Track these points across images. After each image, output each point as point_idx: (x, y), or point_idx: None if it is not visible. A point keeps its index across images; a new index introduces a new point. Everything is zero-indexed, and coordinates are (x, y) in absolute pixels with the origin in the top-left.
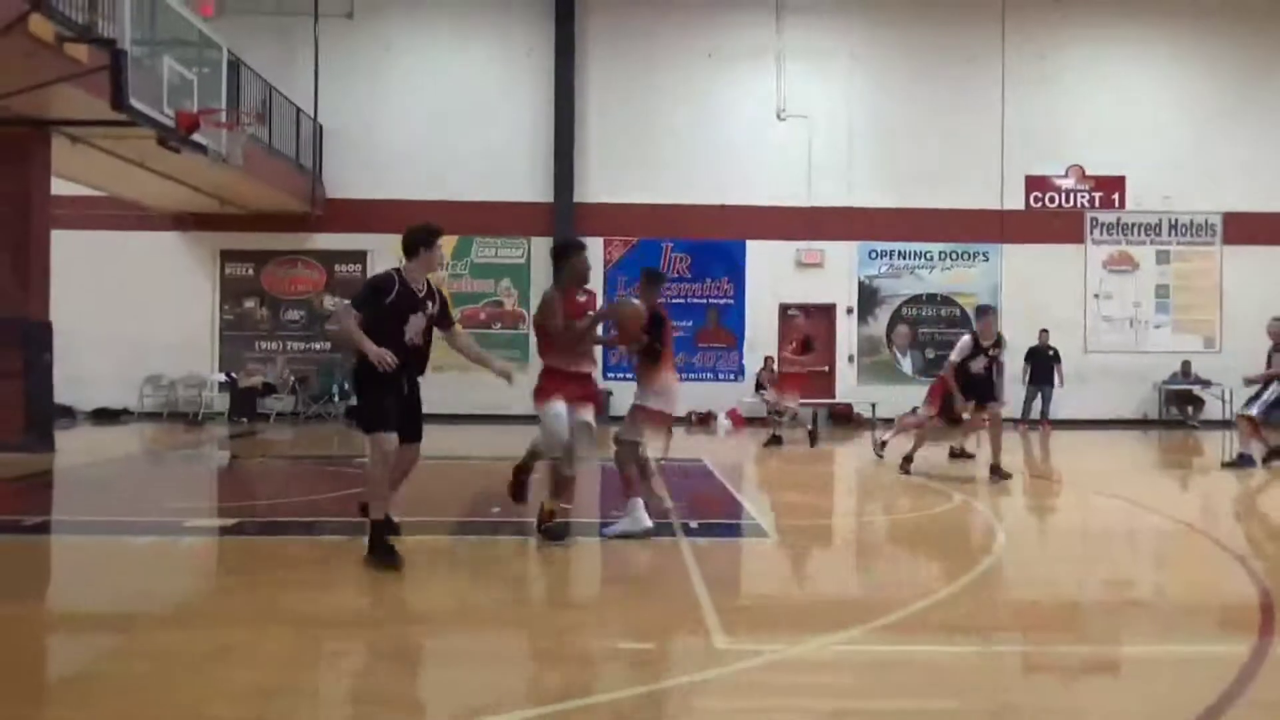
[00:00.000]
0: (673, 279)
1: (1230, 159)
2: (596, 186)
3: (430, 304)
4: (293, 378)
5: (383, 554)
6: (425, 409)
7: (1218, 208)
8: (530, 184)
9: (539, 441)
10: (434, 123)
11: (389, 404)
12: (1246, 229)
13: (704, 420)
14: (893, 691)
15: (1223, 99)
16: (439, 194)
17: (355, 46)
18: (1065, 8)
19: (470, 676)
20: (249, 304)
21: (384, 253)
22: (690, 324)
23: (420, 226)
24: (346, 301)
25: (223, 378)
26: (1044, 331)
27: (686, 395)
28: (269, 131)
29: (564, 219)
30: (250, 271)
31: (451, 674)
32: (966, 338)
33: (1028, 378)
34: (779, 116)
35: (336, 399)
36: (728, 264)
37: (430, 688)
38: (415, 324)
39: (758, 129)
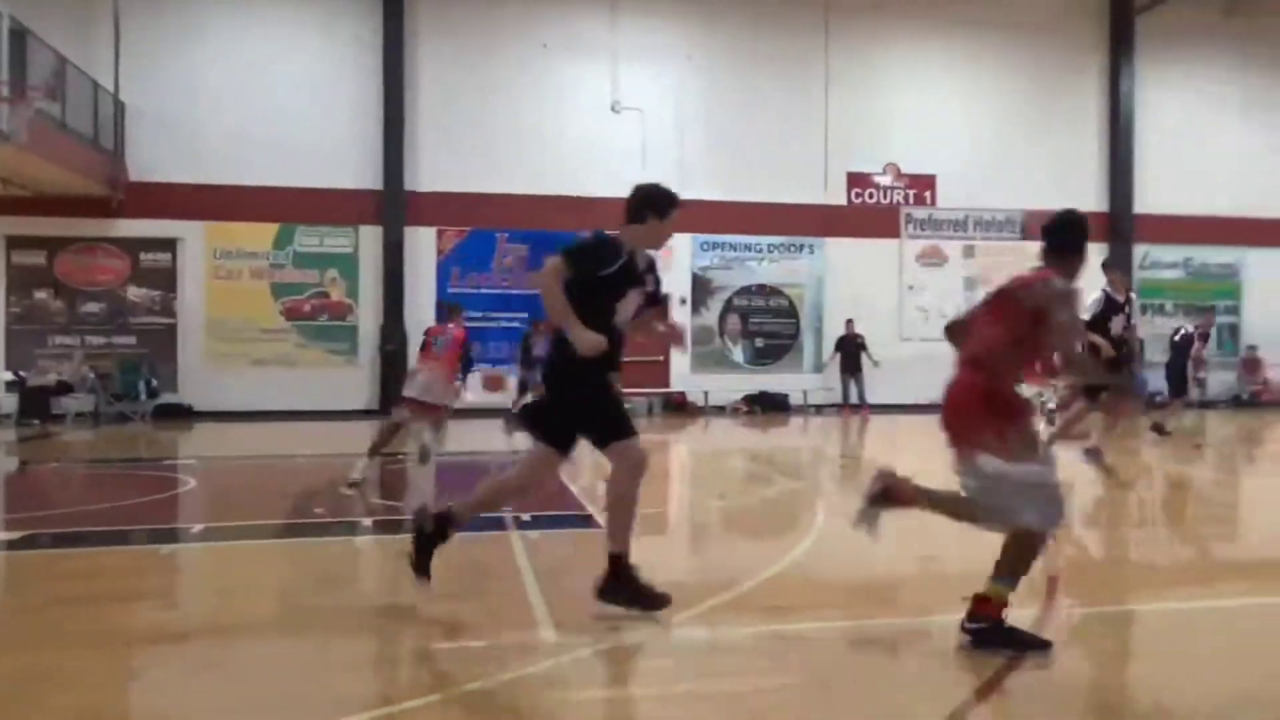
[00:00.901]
0: (507, 270)
1: (1029, 159)
2: (429, 174)
3: (649, 280)
4: (92, 375)
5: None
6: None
7: (1019, 205)
8: (358, 171)
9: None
10: (252, 104)
11: (612, 400)
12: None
13: None
14: (719, 673)
15: (1021, 103)
16: (258, 179)
17: (163, 19)
18: (882, 14)
19: (294, 685)
20: (40, 295)
21: (196, 241)
22: (525, 316)
23: (656, 187)
24: (556, 257)
25: (10, 376)
26: (849, 321)
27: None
28: (62, 107)
29: (394, 207)
30: (42, 260)
31: (273, 684)
32: (1098, 292)
33: (839, 367)
34: (614, 109)
35: (143, 397)
36: None
37: (250, 699)
38: (628, 305)
39: (593, 121)
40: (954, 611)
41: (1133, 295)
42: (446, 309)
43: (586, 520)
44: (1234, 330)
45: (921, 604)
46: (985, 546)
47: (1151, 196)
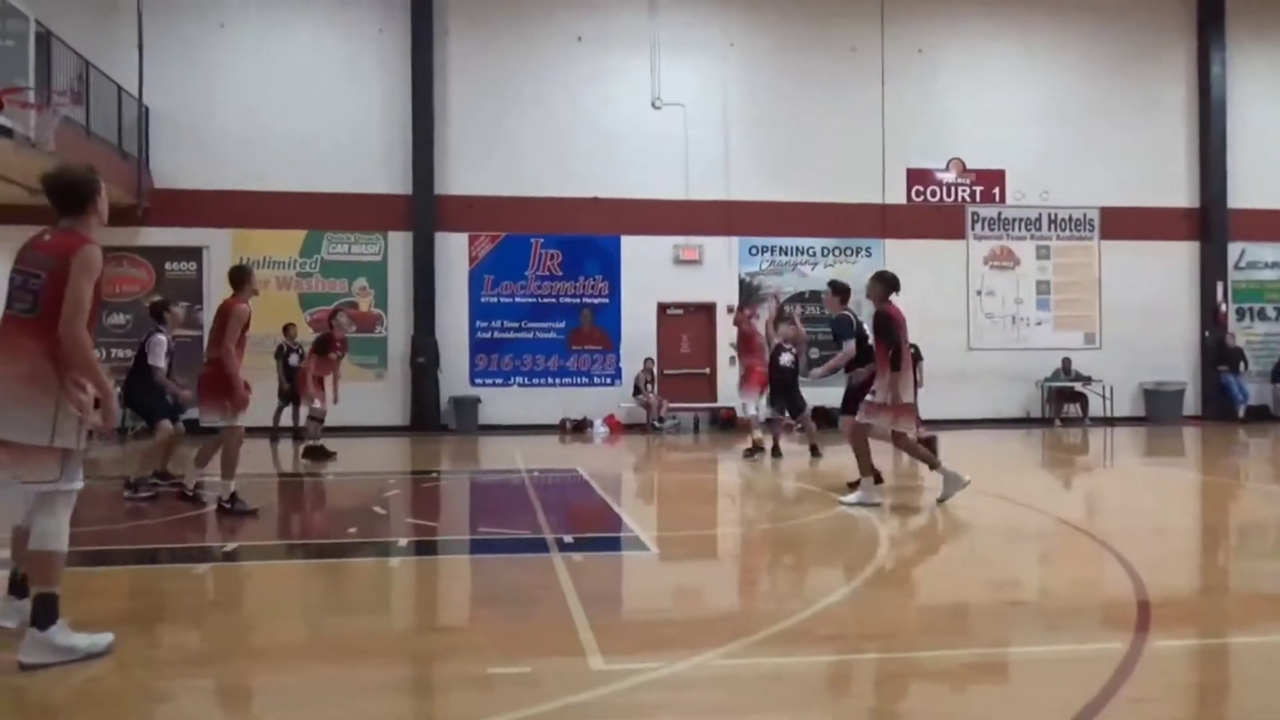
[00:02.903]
0: (542, 277)
1: (1106, 154)
2: (459, 177)
3: None
4: (117, 389)
5: None
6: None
7: (1095, 202)
8: (386, 175)
9: None
10: (276, 107)
11: None
12: (1122, 223)
13: (579, 427)
14: (774, 705)
15: (1098, 94)
16: (284, 185)
17: (185, 20)
18: (943, 1)
19: (330, 710)
20: None
21: (222, 249)
22: (563, 325)
23: None
24: None
25: None
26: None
27: (560, 400)
28: (86, 113)
29: (424, 212)
30: None
31: (308, 710)
32: None
33: None
34: (654, 105)
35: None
36: (601, 261)
37: None
38: None
39: (632, 118)
40: (1031, 643)
41: None
42: None
43: (633, 542)
44: None
45: (993, 635)
46: (1061, 571)
47: (1247, 189)
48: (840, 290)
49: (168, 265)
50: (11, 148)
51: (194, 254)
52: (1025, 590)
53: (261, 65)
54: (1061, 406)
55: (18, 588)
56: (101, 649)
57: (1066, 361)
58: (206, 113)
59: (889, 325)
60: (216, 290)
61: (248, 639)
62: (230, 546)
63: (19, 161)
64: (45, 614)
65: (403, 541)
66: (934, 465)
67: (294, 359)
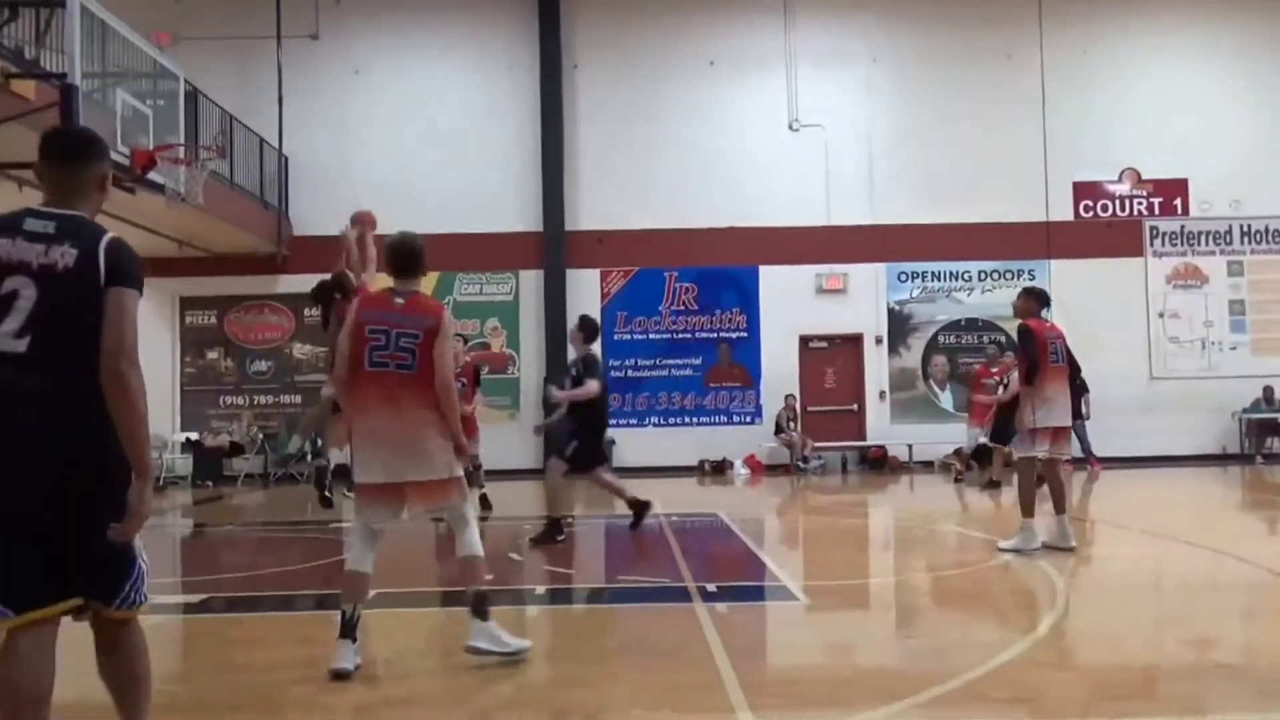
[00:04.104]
0: (677, 311)
1: None
2: (590, 212)
3: None
4: (261, 435)
5: None
6: None
7: None
8: (517, 213)
9: None
10: (408, 150)
11: None
12: None
13: (719, 469)
14: None
15: None
16: (416, 227)
17: (321, 70)
18: None
19: None
20: (212, 355)
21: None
22: (700, 361)
23: None
24: None
25: (185, 438)
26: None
27: (698, 441)
28: (230, 166)
29: (555, 249)
30: (213, 320)
31: None
32: None
33: None
34: (791, 127)
35: (309, 458)
36: (739, 293)
37: None
38: None
39: (768, 142)
40: (1230, 710)
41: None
42: None
43: (780, 592)
44: None
45: (1190, 699)
46: (1272, 629)
47: None
48: (586, 327)
49: (306, 312)
50: (162, 203)
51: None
52: (1230, 650)
53: (394, 109)
54: (1264, 441)
55: (349, 629)
56: (524, 651)
57: (1268, 390)
58: (342, 159)
59: (1027, 338)
60: None
61: (382, 688)
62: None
63: (168, 216)
64: (482, 607)
65: (540, 589)
66: (1030, 511)
67: None
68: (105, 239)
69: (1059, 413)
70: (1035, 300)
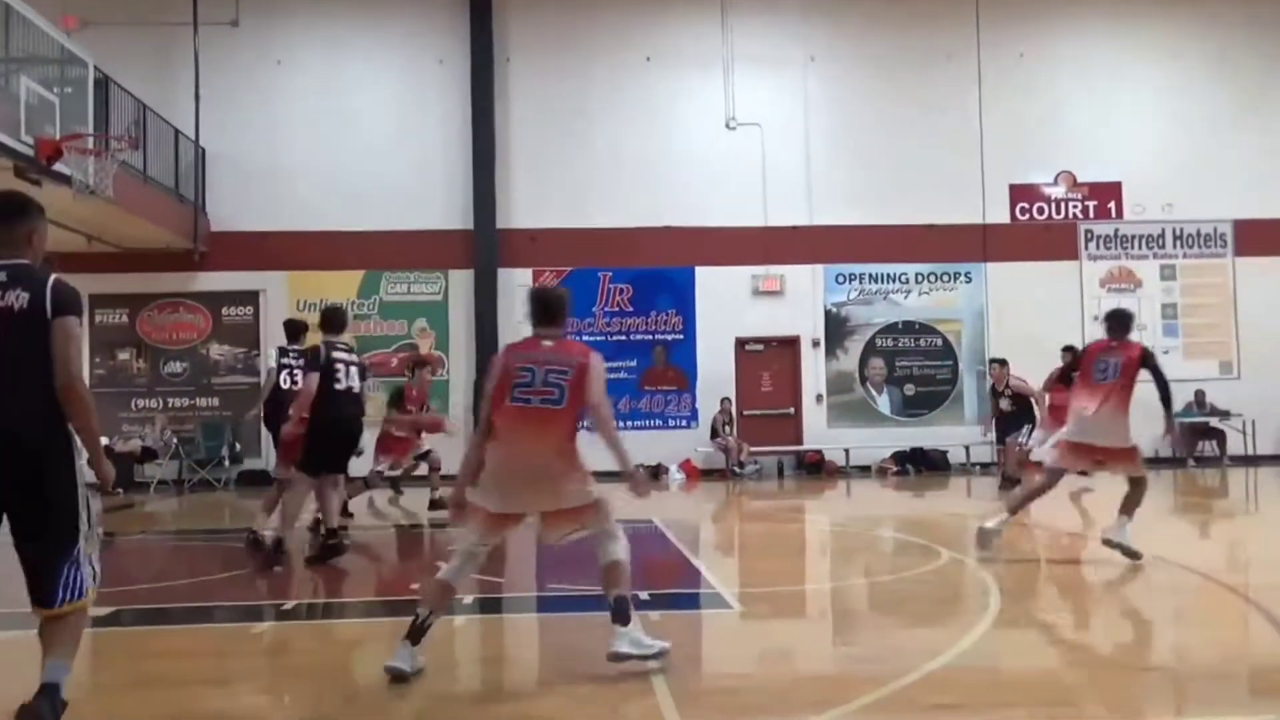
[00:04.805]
0: (611, 313)
1: (1238, 159)
2: (522, 211)
3: None
4: (175, 440)
5: None
6: None
7: (1227, 214)
8: (446, 210)
9: None
10: (333, 144)
11: None
12: (1260, 237)
13: (653, 474)
14: None
15: (1226, 91)
16: (341, 224)
17: (241, 59)
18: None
19: None
20: (123, 356)
21: (278, 293)
22: (635, 364)
23: None
24: None
25: None
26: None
27: (633, 445)
28: (144, 158)
29: (486, 248)
30: (124, 319)
31: None
32: None
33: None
34: (728, 126)
35: (227, 462)
36: (674, 294)
37: None
38: None
39: (705, 141)
40: (1168, 715)
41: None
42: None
43: (714, 599)
44: None
45: (1120, 701)
46: (1202, 632)
47: None
48: (322, 316)
49: (224, 310)
50: (70, 195)
51: (250, 298)
52: (1161, 654)
53: (318, 102)
54: (1195, 444)
55: (417, 634)
56: (665, 651)
57: (1200, 394)
58: (263, 153)
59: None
60: (273, 336)
61: (300, 703)
62: (289, 604)
63: (77, 209)
64: (625, 613)
65: (467, 599)
66: (1012, 511)
67: None
68: (50, 281)
69: (1075, 429)
70: (1107, 320)
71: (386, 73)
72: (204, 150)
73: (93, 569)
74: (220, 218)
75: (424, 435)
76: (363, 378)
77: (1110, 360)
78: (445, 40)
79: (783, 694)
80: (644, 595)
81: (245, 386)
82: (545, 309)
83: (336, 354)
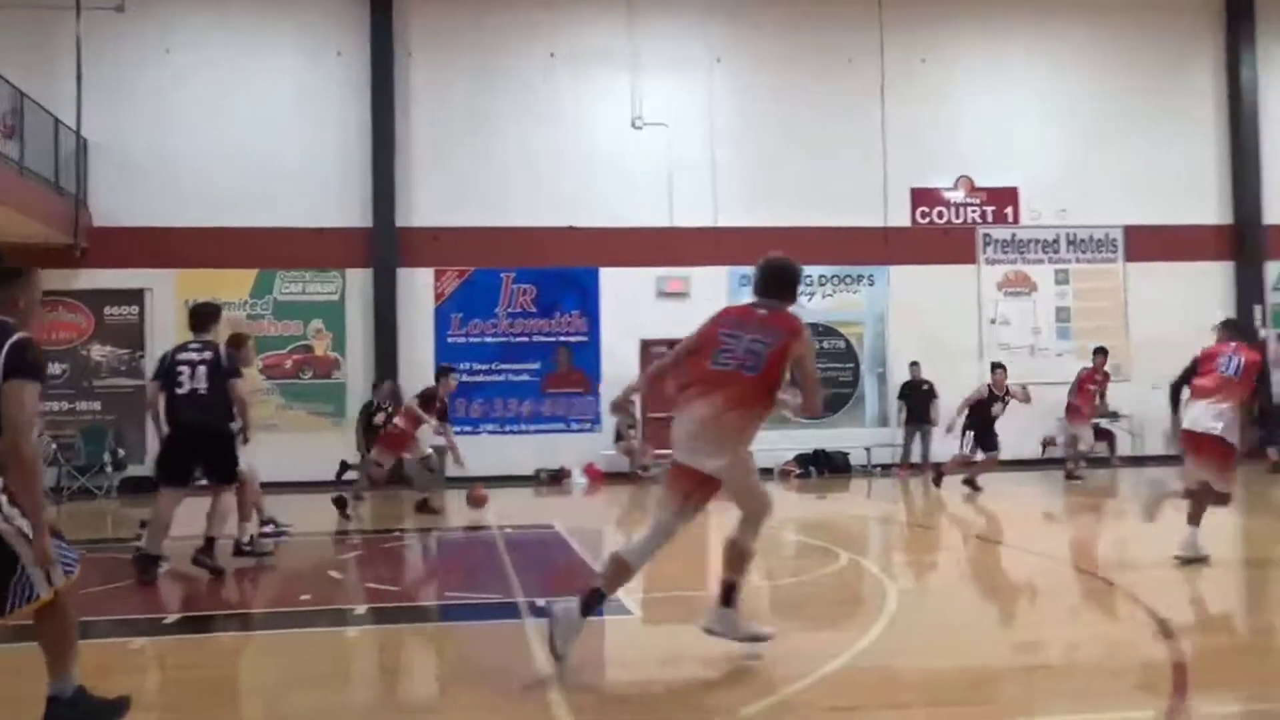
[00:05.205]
0: (514, 313)
1: (1128, 167)
2: (423, 209)
3: None
4: (53, 445)
5: None
6: None
7: (1118, 220)
8: (344, 207)
9: None
10: (225, 136)
11: None
12: (1149, 243)
13: (556, 478)
14: None
15: (1117, 102)
16: (232, 220)
17: (127, 46)
18: (947, 6)
19: None
20: None
21: (165, 291)
22: (538, 366)
23: None
24: None
25: None
26: (915, 364)
27: (535, 449)
28: (20, 148)
29: (385, 247)
30: None
31: None
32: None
33: (904, 417)
34: (634, 125)
35: (109, 469)
36: (578, 295)
37: None
38: None
39: (610, 140)
40: (1057, 712)
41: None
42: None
43: (613, 605)
44: None
45: (1018, 701)
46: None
47: None
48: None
49: (107, 310)
50: None
51: (135, 296)
52: (1049, 651)
53: (210, 93)
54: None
55: (728, 598)
56: (766, 637)
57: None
58: (150, 145)
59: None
60: (159, 336)
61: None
62: (171, 618)
63: None
64: (730, 595)
65: (361, 609)
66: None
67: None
68: (11, 340)
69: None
70: (1220, 329)
71: (282, 64)
72: (86, 141)
73: (44, 572)
74: (103, 212)
75: (420, 437)
76: (226, 375)
77: (1217, 361)
78: (344, 32)
79: (681, 700)
80: (542, 602)
81: (129, 389)
82: (771, 278)
83: (184, 355)
